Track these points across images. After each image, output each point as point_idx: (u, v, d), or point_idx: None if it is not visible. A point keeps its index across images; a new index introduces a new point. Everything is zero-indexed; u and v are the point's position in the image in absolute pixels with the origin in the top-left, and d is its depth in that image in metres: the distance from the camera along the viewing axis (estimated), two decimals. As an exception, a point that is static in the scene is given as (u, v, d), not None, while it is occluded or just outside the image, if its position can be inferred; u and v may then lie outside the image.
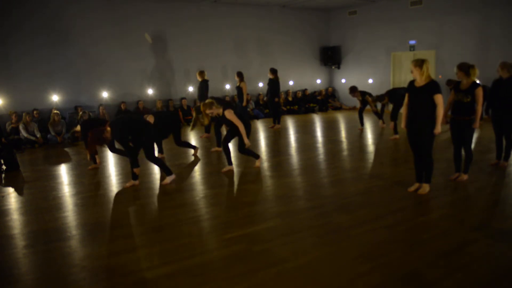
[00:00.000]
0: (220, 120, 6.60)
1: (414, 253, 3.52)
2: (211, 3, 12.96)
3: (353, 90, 9.87)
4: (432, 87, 4.68)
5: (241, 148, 6.36)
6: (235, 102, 10.75)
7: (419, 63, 4.69)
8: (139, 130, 5.62)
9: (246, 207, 4.91)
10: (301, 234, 4.00)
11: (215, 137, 8.27)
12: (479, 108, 5.24)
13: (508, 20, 10.61)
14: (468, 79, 5.23)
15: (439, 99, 4.67)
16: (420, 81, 4.75)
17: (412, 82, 4.89)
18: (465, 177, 5.52)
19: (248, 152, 6.55)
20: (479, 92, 5.16)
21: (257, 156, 6.65)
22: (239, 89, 10.29)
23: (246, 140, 6.18)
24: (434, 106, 4.71)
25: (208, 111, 6.15)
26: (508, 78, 5.89)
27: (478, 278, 3.10)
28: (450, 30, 11.91)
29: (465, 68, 5.21)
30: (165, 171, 5.91)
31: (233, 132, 6.33)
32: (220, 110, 6.18)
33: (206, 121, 6.30)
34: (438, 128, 4.75)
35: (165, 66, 12.50)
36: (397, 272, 3.21)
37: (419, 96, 4.75)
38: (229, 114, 6.11)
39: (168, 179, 5.88)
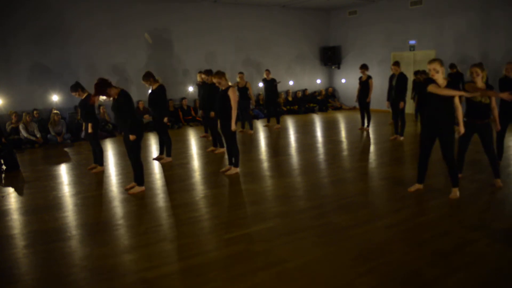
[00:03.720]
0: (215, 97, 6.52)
1: (414, 253, 3.52)
2: (211, 3, 12.95)
3: (364, 67, 9.94)
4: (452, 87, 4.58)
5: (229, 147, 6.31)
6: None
7: (440, 61, 4.57)
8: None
9: (246, 207, 4.91)
10: (301, 234, 4.00)
11: (212, 137, 8.25)
12: (496, 110, 5.30)
13: (508, 20, 10.60)
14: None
15: (458, 99, 4.71)
16: (441, 82, 4.60)
17: (431, 82, 4.64)
18: (499, 182, 5.25)
19: (235, 155, 6.31)
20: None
21: (236, 165, 6.37)
22: (244, 89, 10.38)
23: (233, 126, 6.04)
24: (453, 106, 4.69)
25: (215, 80, 6.09)
26: None
27: (478, 278, 3.10)
28: (450, 30, 11.90)
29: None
30: (138, 179, 5.54)
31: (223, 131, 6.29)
32: (226, 84, 6.09)
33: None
34: (461, 128, 4.90)
35: (165, 66, 12.49)
36: (397, 272, 3.21)
37: (440, 97, 4.60)
38: (232, 92, 6.00)
39: (137, 189, 5.52)
